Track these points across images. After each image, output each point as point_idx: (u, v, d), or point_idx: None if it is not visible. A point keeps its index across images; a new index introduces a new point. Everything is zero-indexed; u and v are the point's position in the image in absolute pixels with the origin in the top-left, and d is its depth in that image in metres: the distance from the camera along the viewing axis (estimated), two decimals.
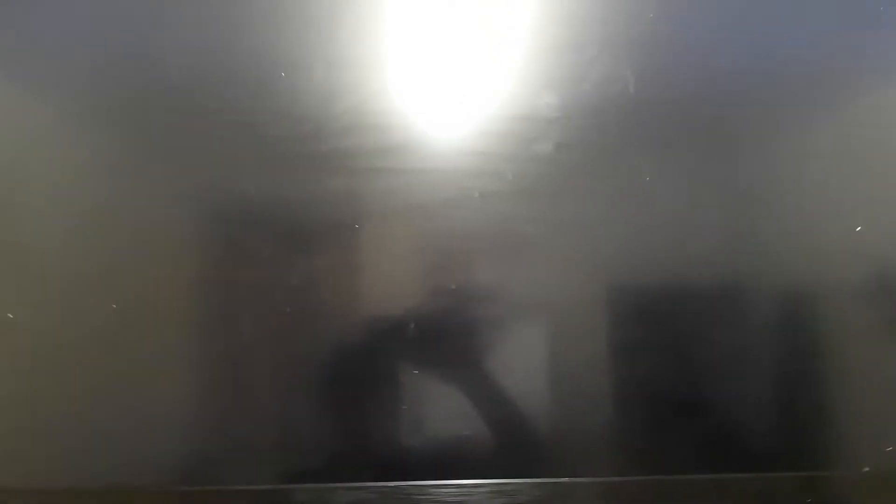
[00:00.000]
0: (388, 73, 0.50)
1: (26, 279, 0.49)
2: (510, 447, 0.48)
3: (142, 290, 0.48)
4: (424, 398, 0.48)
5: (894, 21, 0.50)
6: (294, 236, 0.49)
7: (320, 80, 0.49)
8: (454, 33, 0.50)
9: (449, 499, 0.47)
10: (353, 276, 0.49)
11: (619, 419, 0.48)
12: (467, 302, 0.49)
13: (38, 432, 0.48)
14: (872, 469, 0.47)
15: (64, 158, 0.50)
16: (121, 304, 0.48)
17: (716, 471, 0.48)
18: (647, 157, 0.49)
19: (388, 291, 0.49)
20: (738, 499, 0.47)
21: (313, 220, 0.49)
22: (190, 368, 0.49)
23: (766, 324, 0.49)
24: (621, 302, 0.49)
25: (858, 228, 0.49)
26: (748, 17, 0.50)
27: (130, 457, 0.48)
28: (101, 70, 0.50)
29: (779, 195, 0.49)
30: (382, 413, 0.48)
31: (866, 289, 0.48)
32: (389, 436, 0.48)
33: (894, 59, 0.50)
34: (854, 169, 0.50)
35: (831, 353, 0.49)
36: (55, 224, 0.49)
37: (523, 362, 0.49)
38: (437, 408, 0.48)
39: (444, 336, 0.48)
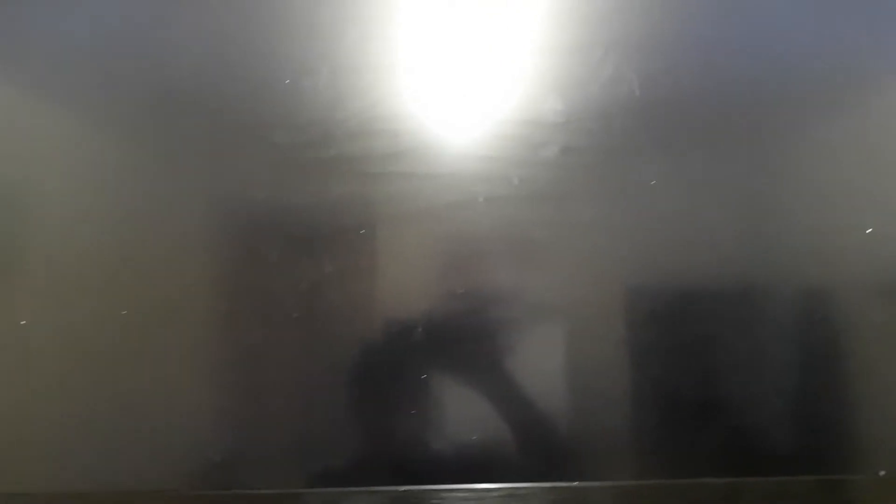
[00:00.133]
0: (393, 78, 0.50)
1: (38, 285, 0.48)
2: (522, 451, 0.48)
3: (151, 295, 0.48)
4: (435, 402, 0.48)
5: None
6: (300, 241, 0.49)
7: (326, 86, 0.49)
8: (460, 38, 0.50)
9: (461, 503, 0.46)
10: (359, 281, 0.48)
11: (631, 422, 0.48)
12: (474, 306, 0.48)
13: (53, 437, 0.47)
14: (889, 473, 0.47)
15: (72, 165, 0.49)
16: (131, 310, 0.48)
17: (731, 474, 0.47)
18: (653, 160, 0.49)
19: (395, 296, 0.49)
20: (754, 502, 0.46)
21: (319, 225, 0.49)
22: (202, 373, 0.48)
23: (779, 325, 0.48)
24: (628, 305, 0.48)
25: (869, 230, 0.48)
26: (754, 18, 0.50)
27: (143, 460, 0.47)
28: (105, 77, 0.50)
29: (787, 196, 0.49)
30: (394, 417, 0.48)
31: (884, 288, 0.48)
32: (402, 440, 0.47)
33: None
34: (864, 168, 0.50)
35: (847, 355, 0.48)
36: (65, 230, 0.49)
37: (532, 366, 0.48)
38: (449, 412, 0.48)
39: (452, 340, 0.48)
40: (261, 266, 0.48)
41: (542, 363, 0.48)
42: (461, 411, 0.48)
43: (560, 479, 0.47)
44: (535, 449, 0.48)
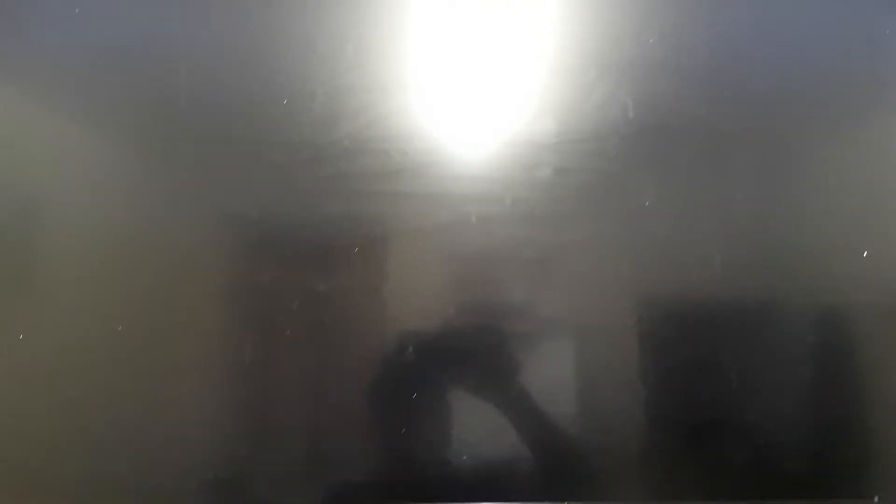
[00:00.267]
0: (387, 98, 0.50)
1: (39, 299, 0.49)
2: (531, 470, 0.47)
3: (146, 311, 0.49)
4: (427, 421, 0.48)
5: None
6: (293, 260, 0.49)
7: (320, 106, 0.50)
8: (453, 59, 0.50)
9: None
10: (350, 299, 0.49)
11: (638, 444, 0.47)
12: (466, 325, 0.48)
13: (58, 452, 0.48)
14: (883, 499, 0.46)
15: (68, 179, 0.51)
16: (128, 325, 0.48)
17: (722, 498, 0.47)
18: (647, 181, 0.49)
19: (386, 315, 0.49)
20: None
21: (312, 244, 0.49)
22: (209, 387, 0.49)
23: (770, 347, 0.48)
24: (621, 326, 0.48)
25: (865, 253, 0.48)
26: (748, 40, 0.50)
27: (150, 476, 0.48)
28: (100, 90, 0.51)
29: (780, 215, 0.49)
30: (386, 436, 0.48)
31: (886, 310, 0.47)
32: (406, 458, 0.48)
33: None
34: (862, 189, 0.49)
35: (844, 377, 0.48)
36: (64, 242, 0.50)
37: (527, 384, 0.48)
38: (440, 430, 0.48)
39: (444, 359, 0.48)
40: (251, 285, 0.49)
41: (535, 381, 0.48)
42: (452, 429, 0.48)
43: (575, 500, 0.46)
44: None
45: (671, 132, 0.49)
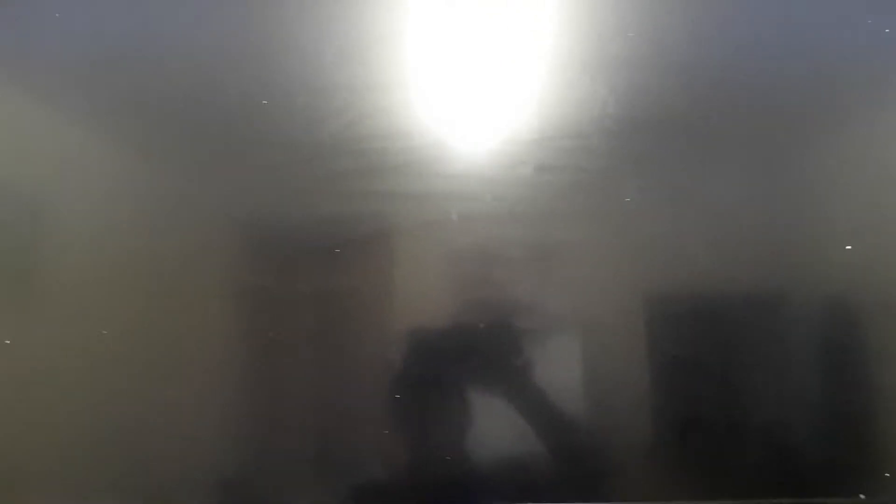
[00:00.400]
0: (367, 98, 0.50)
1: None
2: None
3: (131, 312, 0.49)
4: (408, 423, 0.48)
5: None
6: (274, 260, 0.49)
7: (302, 106, 0.50)
8: (434, 58, 0.50)
9: None
10: (331, 300, 0.49)
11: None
12: (448, 323, 0.48)
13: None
14: (869, 497, 0.45)
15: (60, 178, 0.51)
16: (110, 330, 0.49)
17: (711, 497, 0.46)
18: (627, 177, 0.49)
19: (367, 314, 0.49)
20: None
21: (294, 244, 0.49)
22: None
23: (752, 343, 0.47)
24: (601, 322, 0.48)
25: (849, 247, 0.47)
26: (727, 34, 0.50)
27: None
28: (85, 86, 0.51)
29: (764, 210, 0.48)
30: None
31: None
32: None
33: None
34: (848, 184, 0.49)
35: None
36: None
37: (514, 383, 0.48)
38: (443, 430, 0.48)
39: (437, 356, 0.48)
40: (231, 288, 0.49)
41: (518, 380, 0.48)
42: (444, 430, 0.48)
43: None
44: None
45: (652, 128, 0.49)
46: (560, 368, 0.48)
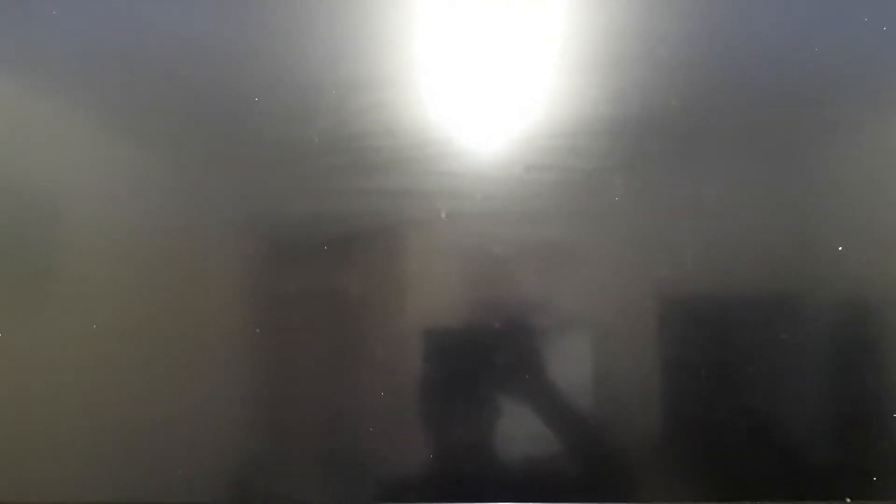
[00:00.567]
0: (358, 97, 0.50)
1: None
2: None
3: (123, 311, 0.49)
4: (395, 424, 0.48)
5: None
6: (262, 258, 0.49)
7: (291, 104, 0.50)
8: (423, 56, 0.50)
9: None
10: (319, 298, 0.49)
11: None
12: (438, 321, 0.48)
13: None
14: (855, 500, 0.45)
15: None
16: (103, 328, 0.49)
17: (700, 498, 0.46)
18: (617, 177, 0.48)
19: (356, 312, 0.49)
20: None
21: (282, 241, 0.49)
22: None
23: (738, 345, 0.47)
24: (589, 322, 0.48)
25: (840, 248, 0.47)
26: (718, 33, 0.49)
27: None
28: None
29: (755, 209, 0.48)
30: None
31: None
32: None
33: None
34: (837, 185, 0.48)
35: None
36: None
37: (499, 383, 0.48)
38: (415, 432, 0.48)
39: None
40: (221, 285, 0.49)
41: (507, 380, 0.48)
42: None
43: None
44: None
45: (641, 127, 0.49)
46: (547, 368, 0.47)
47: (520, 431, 0.48)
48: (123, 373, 0.49)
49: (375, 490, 0.48)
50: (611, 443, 0.47)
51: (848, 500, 0.45)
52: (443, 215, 0.49)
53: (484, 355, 0.48)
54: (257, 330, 0.49)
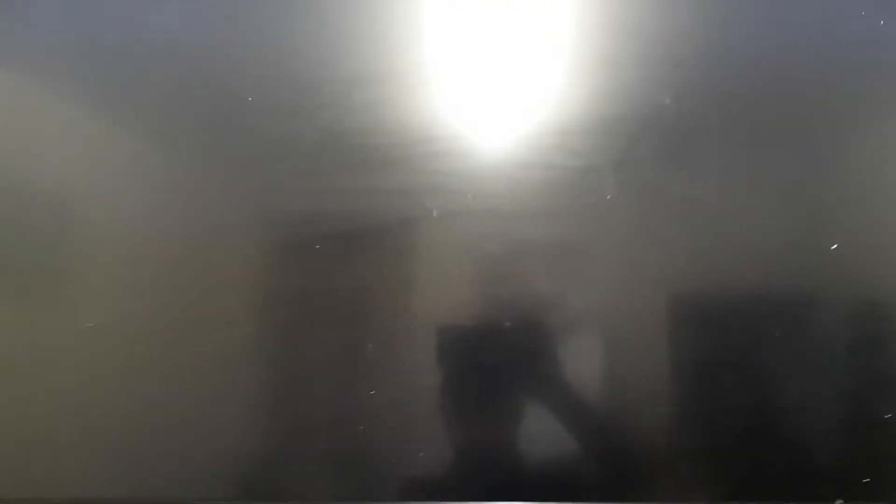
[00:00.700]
0: (351, 94, 0.50)
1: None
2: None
3: (122, 309, 0.50)
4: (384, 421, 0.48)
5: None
6: (254, 256, 0.50)
7: (283, 101, 0.50)
8: (416, 54, 0.50)
9: None
10: (310, 297, 0.49)
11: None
12: (425, 320, 0.48)
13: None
14: (846, 502, 0.45)
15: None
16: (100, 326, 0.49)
17: (685, 499, 0.46)
18: (608, 175, 0.48)
19: (345, 312, 0.49)
20: None
21: (272, 241, 0.50)
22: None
23: (723, 346, 0.47)
24: (581, 322, 0.48)
25: (834, 246, 0.46)
26: (711, 31, 0.49)
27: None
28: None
29: (750, 208, 0.48)
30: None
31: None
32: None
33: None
34: (827, 178, 0.48)
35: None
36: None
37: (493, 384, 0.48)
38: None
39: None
40: (208, 284, 0.49)
41: (508, 378, 0.48)
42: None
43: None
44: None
45: (632, 126, 0.48)
46: (543, 366, 0.47)
47: (514, 431, 0.48)
48: (124, 371, 0.49)
49: (382, 488, 0.48)
50: (608, 442, 0.47)
51: (839, 501, 0.44)
52: (434, 214, 0.49)
53: (478, 354, 0.48)
54: (248, 329, 0.49)
